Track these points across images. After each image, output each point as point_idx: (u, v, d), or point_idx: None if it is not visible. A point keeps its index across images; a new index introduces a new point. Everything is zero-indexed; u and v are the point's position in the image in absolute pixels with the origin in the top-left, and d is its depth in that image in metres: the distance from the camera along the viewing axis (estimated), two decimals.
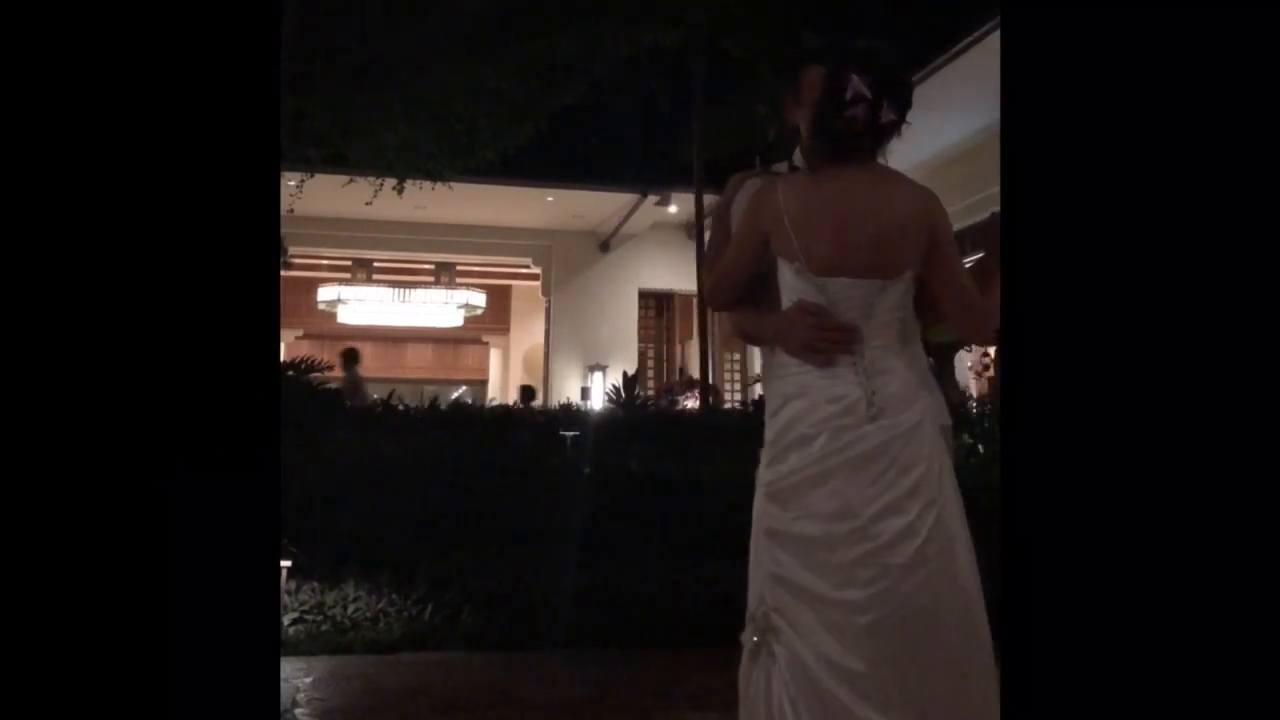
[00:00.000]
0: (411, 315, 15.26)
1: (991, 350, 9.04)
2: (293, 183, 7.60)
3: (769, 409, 1.91)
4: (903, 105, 1.88)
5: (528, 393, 10.29)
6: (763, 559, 1.82)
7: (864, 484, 1.73)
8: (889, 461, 1.74)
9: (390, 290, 15.11)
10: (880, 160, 1.96)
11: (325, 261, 14.81)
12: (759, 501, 1.86)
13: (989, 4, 6.62)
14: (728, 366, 15.02)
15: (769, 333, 1.96)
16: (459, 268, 15.57)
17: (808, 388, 1.82)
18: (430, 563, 4.33)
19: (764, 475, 1.85)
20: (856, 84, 1.83)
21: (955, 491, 1.78)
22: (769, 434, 1.87)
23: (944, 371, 7.97)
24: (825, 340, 1.81)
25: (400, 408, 5.65)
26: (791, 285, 1.88)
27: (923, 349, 2.05)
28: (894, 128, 1.88)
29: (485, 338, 17.57)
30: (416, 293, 15.24)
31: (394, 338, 16.98)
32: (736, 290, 1.99)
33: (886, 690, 1.67)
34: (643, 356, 14.30)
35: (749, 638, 1.80)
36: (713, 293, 2.08)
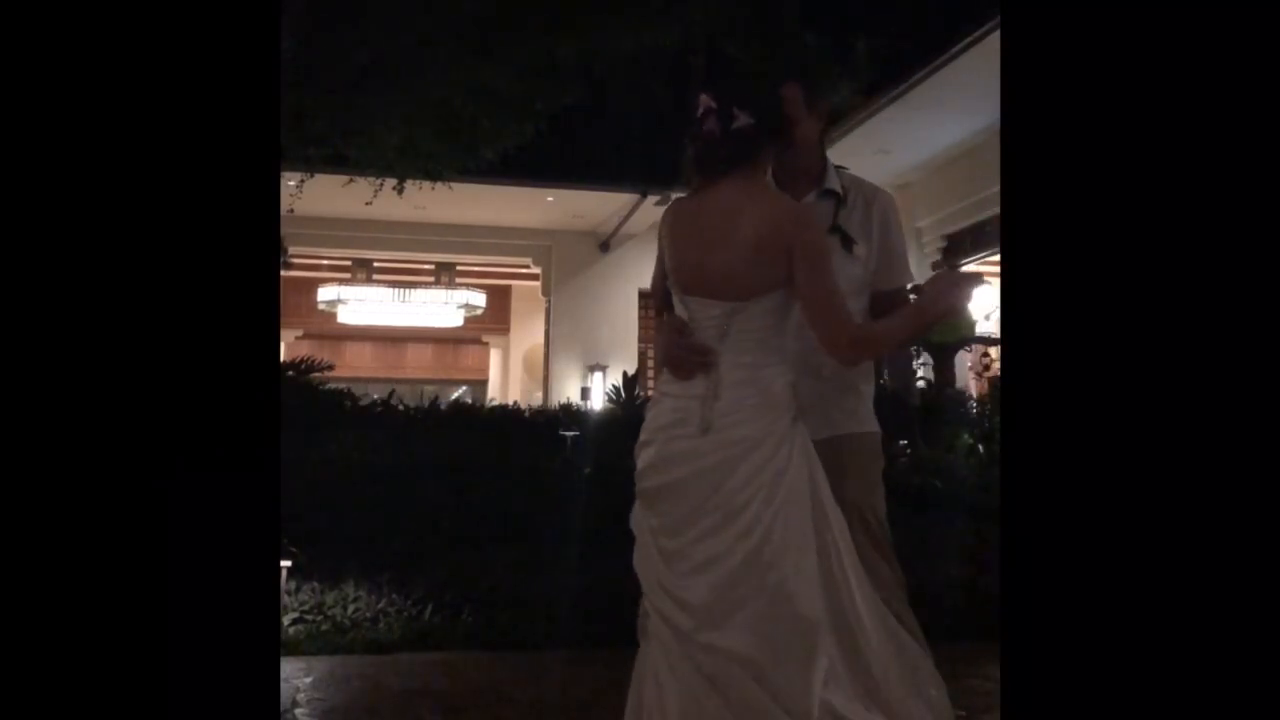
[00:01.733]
0: (411, 315, 15.25)
1: (993, 350, 9.05)
2: (293, 183, 7.59)
3: None
4: (762, 112, 1.87)
5: None
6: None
7: (690, 503, 1.77)
8: (717, 480, 1.76)
9: (390, 290, 15.09)
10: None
11: (325, 261, 14.80)
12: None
13: (989, 4, 6.61)
14: None
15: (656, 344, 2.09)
16: (459, 268, 15.56)
17: (663, 397, 1.90)
18: (430, 563, 4.33)
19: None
20: (704, 99, 1.87)
21: (801, 514, 1.75)
22: None
23: (940, 370, 7.97)
24: (680, 358, 1.86)
25: (400, 408, 5.65)
26: (674, 301, 1.98)
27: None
28: (757, 135, 1.86)
29: (485, 338, 17.56)
30: (416, 293, 15.22)
31: (394, 338, 16.96)
32: (660, 296, 2.09)
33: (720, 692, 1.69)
34: (643, 356, 14.27)
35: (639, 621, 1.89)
36: (652, 295, 2.21)
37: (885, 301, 2.09)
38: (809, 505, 1.76)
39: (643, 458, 1.88)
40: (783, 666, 1.67)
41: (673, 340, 1.89)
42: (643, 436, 1.90)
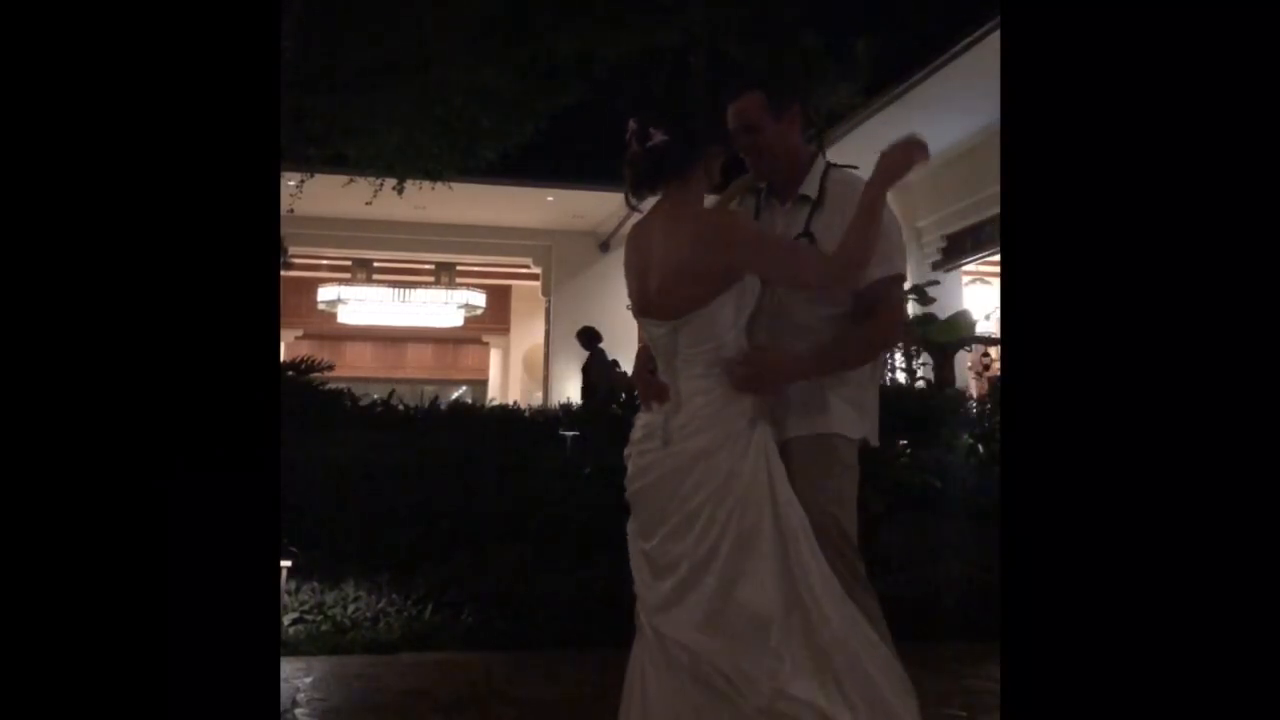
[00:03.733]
0: (411, 315, 15.26)
1: (993, 350, 9.05)
2: (293, 183, 7.59)
3: None
4: (676, 129, 1.92)
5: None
6: None
7: (656, 509, 1.90)
8: (674, 488, 1.87)
9: (390, 290, 15.10)
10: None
11: (325, 261, 14.80)
12: None
13: (989, 4, 6.61)
14: None
15: None
16: (459, 268, 15.56)
17: (641, 412, 2.03)
18: (430, 563, 4.33)
19: None
20: (631, 122, 1.95)
21: (760, 513, 1.82)
22: None
23: (942, 371, 7.98)
24: (641, 389, 2.01)
25: (400, 408, 5.65)
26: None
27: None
28: (671, 152, 1.91)
29: (485, 338, 17.56)
30: (416, 293, 15.24)
31: (394, 338, 16.97)
32: None
33: (683, 691, 1.81)
34: None
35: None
36: None
37: (869, 295, 2.01)
38: (766, 505, 1.84)
39: (628, 468, 2.00)
40: (736, 658, 1.77)
41: (636, 372, 2.03)
42: (626, 449, 2.02)
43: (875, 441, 2.11)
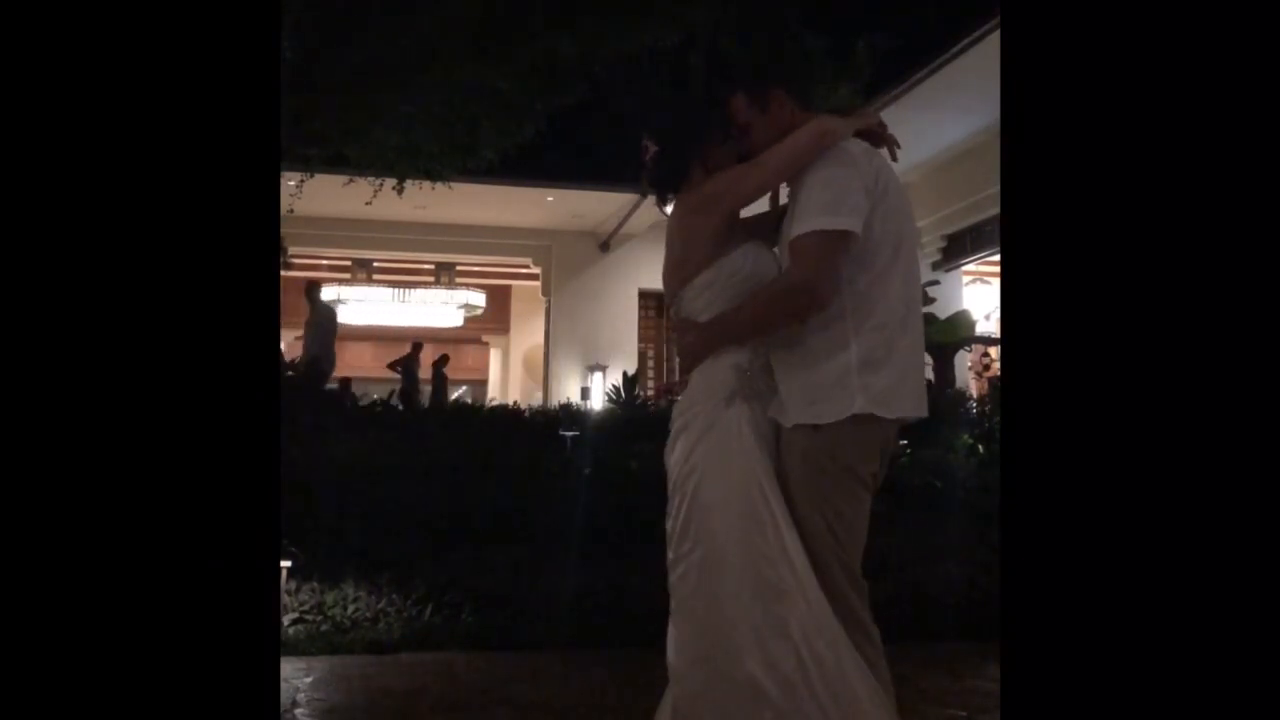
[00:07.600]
0: (411, 315, 15.27)
1: (993, 350, 9.05)
2: (293, 183, 7.59)
3: None
4: (665, 139, 2.04)
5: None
6: None
7: (669, 488, 1.99)
8: (670, 464, 1.97)
9: (390, 290, 15.12)
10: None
11: (325, 261, 14.81)
12: None
13: (989, 4, 6.61)
14: None
15: None
16: (459, 268, 15.58)
17: None
18: (430, 563, 4.33)
19: None
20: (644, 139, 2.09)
21: (716, 491, 1.88)
22: None
23: (942, 370, 7.99)
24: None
25: (400, 408, 5.66)
26: None
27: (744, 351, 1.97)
28: (665, 160, 2.04)
29: (485, 338, 17.58)
30: (416, 293, 15.26)
31: (394, 338, 16.98)
32: None
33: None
34: (643, 356, 14.29)
35: None
36: None
37: (794, 248, 1.87)
38: (735, 482, 1.87)
39: None
40: (709, 638, 1.84)
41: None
42: None
43: (835, 418, 1.86)
